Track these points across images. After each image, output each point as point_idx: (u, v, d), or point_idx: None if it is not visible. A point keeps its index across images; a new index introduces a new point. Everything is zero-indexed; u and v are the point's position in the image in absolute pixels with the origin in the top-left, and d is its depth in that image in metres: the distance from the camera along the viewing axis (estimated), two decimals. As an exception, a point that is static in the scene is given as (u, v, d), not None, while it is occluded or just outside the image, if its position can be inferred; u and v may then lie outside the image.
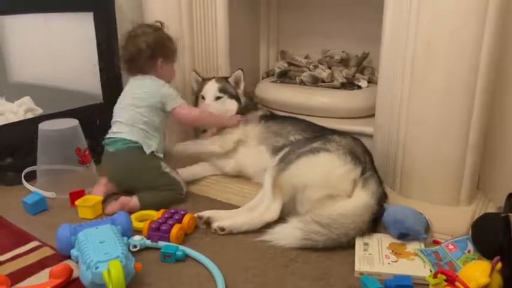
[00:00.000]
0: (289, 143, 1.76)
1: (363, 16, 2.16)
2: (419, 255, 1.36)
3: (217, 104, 1.92)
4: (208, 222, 1.56)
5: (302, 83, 2.27)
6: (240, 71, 1.98)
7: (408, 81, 1.55)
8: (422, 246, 1.41)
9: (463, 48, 1.44)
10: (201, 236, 1.52)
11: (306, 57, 2.43)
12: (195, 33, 2.08)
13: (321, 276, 1.31)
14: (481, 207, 1.61)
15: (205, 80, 2.00)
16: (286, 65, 2.42)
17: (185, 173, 1.87)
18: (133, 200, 1.67)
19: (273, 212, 1.54)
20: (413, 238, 1.43)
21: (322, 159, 1.58)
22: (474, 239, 1.38)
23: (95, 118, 2.15)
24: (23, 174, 1.85)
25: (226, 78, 1.99)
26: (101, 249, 1.23)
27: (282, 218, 1.52)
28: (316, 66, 2.29)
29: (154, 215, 1.59)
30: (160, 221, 1.50)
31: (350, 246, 1.41)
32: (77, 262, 1.29)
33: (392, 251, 1.40)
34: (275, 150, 1.77)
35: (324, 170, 1.56)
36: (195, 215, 1.57)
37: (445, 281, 1.16)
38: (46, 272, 1.29)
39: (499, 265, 1.16)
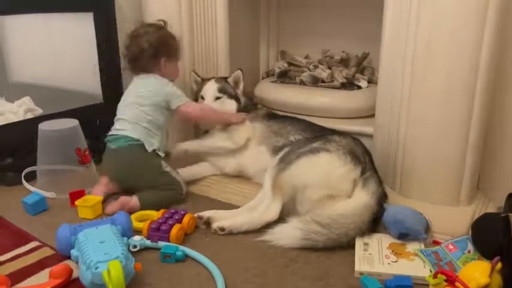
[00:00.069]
0: (289, 143, 1.76)
1: (363, 16, 2.16)
2: (419, 256, 1.36)
3: (216, 104, 1.92)
4: (208, 222, 1.56)
5: (302, 83, 2.27)
6: (239, 71, 1.98)
7: (408, 81, 1.55)
8: (422, 246, 1.41)
9: (463, 48, 1.44)
10: (201, 236, 1.52)
11: (306, 57, 2.43)
12: (195, 33, 2.08)
13: (321, 276, 1.31)
14: (481, 207, 1.61)
15: (204, 81, 2.00)
16: (286, 65, 2.42)
17: (185, 173, 1.87)
18: (133, 200, 1.67)
19: (273, 212, 1.54)
20: (413, 238, 1.43)
21: (322, 159, 1.58)
22: (474, 239, 1.38)
23: (95, 118, 2.15)
24: (23, 174, 1.85)
25: (225, 79, 1.99)
26: (100, 249, 1.23)
27: (282, 218, 1.52)
28: (316, 66, 2.29)
29: (154, 215, 1.59)
30: (160, 221, 1.50)
31: (350, 246, 1.41)
32: (77, 262, 1.29)
33: (392, 251, 1.40)
34: (275, 150, 1.77)
35: (324, 170, 1.56)
36: (195, 215, 1.57)
37: (445, 281, 1.16)
38: (46, 272, 1.29)
39: (499, 265, 1.16)
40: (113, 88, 2.20)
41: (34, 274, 1.31)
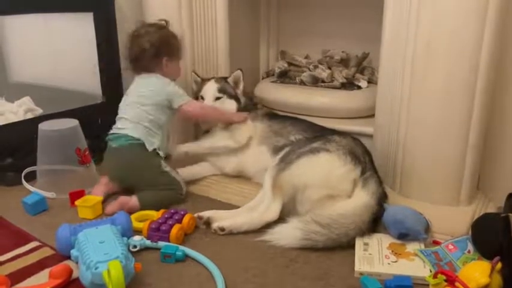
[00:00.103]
0: (289, 143, 1.76)
1: (363, 16, 2.16)
2: (419, 256, 1.36)
3: (216, 105, 1.92)
4: (208, 223, 1.55)
5: (302, 83, 2.27)
6: (239, 71, 1.98)
7: (408, 81, 1.55)
8: (422, 246, 1.41)
9: (463, 48, 1.44)
10: (201, 236, 1.52)
11: (306, 57, 2.43)
12: (195, 33, 2.08)
13: (321, 276, 1.31)
14: (481, 207, 1.61)
15: (204, 81, 2.00)
16: (286, 65, 2.42)
17: (185, 173, 1.87)
18: (133, 200, 1.67)
19: (273, 212, 1.54)
20: (413, 238, 1.43)
21: (322, 159, 1.58)
22: (474, 239, 1.38)
23: (95, 118, 2.15)
24: (23, 174, 1.85)
25: (225, 79, 1.99)
26: (100, 249, 1.23)
27: (282, 218, 1.52)
28: (316, 67, 2.29)
29: (154, 215, 1.59)
30: (160, 221, 1.50)
31: (350, 246, 1.41)
32: (77, 262, 1.29)
33: (392, 251, 1.39)
34: (276, 150, 1.77)
35: (324, 170, 1.56)
36: (195, 215, 1.57)
37: (445, 281, 1.16)
38: (46, 272, 1.29)
39: (499, 265, 1.16)
40: (112, 88, 2.21)
41: (34, 274, 1.31)
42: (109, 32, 2.16)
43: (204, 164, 1.96)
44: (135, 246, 1.41)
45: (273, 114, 2.02)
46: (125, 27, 2.20)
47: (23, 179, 1.84)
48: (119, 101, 1.85)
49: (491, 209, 1.60)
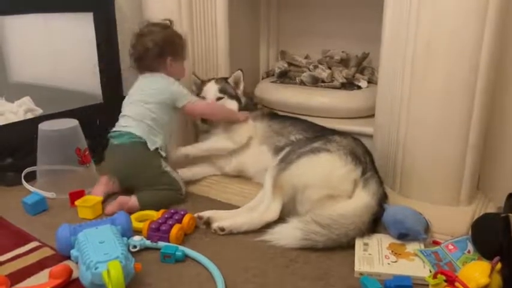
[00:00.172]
0: (290, 143, 1.76)
1: (363, 16, 2.16)
2: (419, 256, 1.36)
3: (217, 105, 1.93)
4: (208, 223, 1.55)
5: (302, 83, 2.27)
6: (239, 71, 1.98)
7: (408, 81, 1.55)
8: (422, 246, 1.41)
9: (463, 48, 1.44)
10: (200, 236, 1.52)
11: (306, 57, 2.43)
12: (195, 33, 2.08)
13: (321, 276, 1.31)
14: (481, 207, 1.61)
15: (204, 82, 2.00)
16: (286, 65, 2.42)
17: (185, 173, 1.87)
18: (132, 200, 1.67)
19: (273, 212, 1.54)
20: (413, 238, 1.43)
21: (322, 159, 1.58)
22: (474, 239, 1.38)
23: (95, 118, 2.15)
24: (23, 174, 1.85)
25: (225, 79, 1.99)
26: (100, 249, 1.23)
27: (282, 218, 1.52)
28: (316, 67, 2.29)
29: (154, 215, 1.59)
30: (160, 221, 1.50)
31: (350, 246, 1.41)
32: (77, 262, 1.29)
33: (392, 251, 1.39)
34: (277, 150, 1.77)
35: (325, 170, 1.56)
36: (195, 215, 1.57)
37: (445, 281, 1.15)
38: (46, 272, 1.29)
39: (499, 265, 1.16)
40: (112, 88, 2.21)
41: (34, 274, 1.31)
42: (109, 32, 2.16)
43: (204, 164, 1.95)
44: (135, 247, 1.41)
45: (273, 114, 2.02)
46: (125, 27, 2.21)
47: (23, 179, 1.84)
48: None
49: (491, 209, 1.60)
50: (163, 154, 1.77)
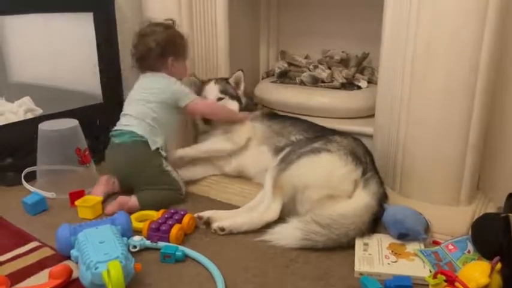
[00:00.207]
0: (290, 143, 1.76)
1: (363, 16, 2.16)
2: (419, 256, 1.36)
3: (218, 106, 1.93)
4: (208, 223, 1.55)
5: (302, 83, 2.27)
6: (240, 71, 1.98)
7: (408, 81, 1.55)
8: (422, 246, 1.41)
9: (463, 48, 1.44)
10: (200, 236, 1.52)
11: (306, 57, 2.43)
12: (195, 34, 2.08)
13: (321, 276, 1.31)
14: (481, 207, 1.61)
15: (204, 82, 2.00)
16: (286, 65, 2.42)
17: (185, 173, 1.87)
18: (132, 200, 1.67)
19: (273, 212, 1.54)
20: (413, 238, 1.43)
21: (323, 159, 1.58)
22: (474, 239, 1.38)
23: (95, 118, 2.15)
24: (23, 174, 1.85)
25: (226, 79, 1.99)
26: (100, 249, 1.23)
27: (282, 218, 1.52)
28: (316, 67, 2.29)
29: (154, 215, 1.59)
30: (160, 221, 1.50)
31: (350, 246, 1.41)
32: (77, 262, 1.29)
33: (392, 251, 1.39)
34: (277, 151, 1.77)
35: (325, 170, 1.56)
36: (195, 215, 1.57)
37: (445, 281, 1.16)
38: (46, 272, 1.29)
39: (499, 265, 1.16)
40: (112, 88, 2.21)
41: (34, 274, 1.31)
42: (109, 32, 2.16)
43: (204, 164, 1.95)
44: (135, 247, 1.41)
45: (273, 115, 2.02)
46: (124, 27, 2.21)
47: (23, 179, 1.84)
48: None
49: (491, 209, 1.60)
50: (164, 154, 1.77)
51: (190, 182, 1.87)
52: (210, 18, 2.07)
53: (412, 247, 1.41)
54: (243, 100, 1.98)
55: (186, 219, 1.52)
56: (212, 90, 1.94)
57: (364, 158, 1.62)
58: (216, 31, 2.09)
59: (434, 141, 1.56)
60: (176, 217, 1.53)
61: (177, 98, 1.80)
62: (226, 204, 1.73)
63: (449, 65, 1.47)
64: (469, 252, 1.36)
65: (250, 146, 1.89)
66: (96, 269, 1.17)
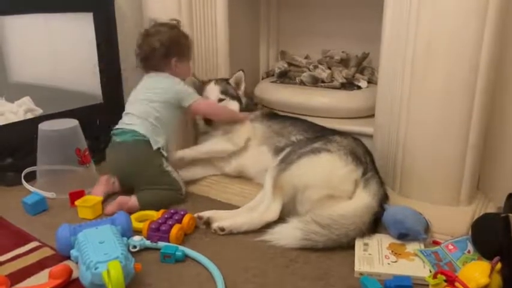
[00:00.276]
0: (290, 143, 1.76)
1: (363, 16, 2.16)
2: (419, 256, 1.35)
3: (219, 106, 1.93)
4: (208, 223, 1.55)
5: (302, 83, 2.27)
6: (241, 72, 1.98)
7: (408, 81, 1.55)
8: (422, 246, 1.41)
9: (463, 48, 1.44)
10: (200, 236, 1.52)
11: (306, 57, 2.43)
12: (195, 34, 2.08)
13: (321, 276, 1.31)
14: (481, 207, 1.61)
15: (204, 83, 2.00)
16: (286, 65, 2.42)
17: (185, 173, 1.87)
18: (132, 200, 1.67)
19: (273, 212, 1.54)
20: (413, 238, 1.43)
21: (323, 159, 1.58)
22: (474, 239, 1.38)
23: (95, 118, 2.15)
24: (23, 174, 1.85)
25: (226, 80, 1.99)
26: (100, 249, 1.23)
27: (282, 218, 1.52)
28: (316, 67, 2.29)
29: (154, 215, 1.59)
30: (160, 221, 1.50)
31: (350, 246, 1.41)
32: (77, 262, 1.29)
33: (392, 251, 1.39)
34: (277, 151, 1.77)
35: (325, 170, 1.56)
36: (195, 215, 1.57)
37: (445, 281, 1.15)
38: (46, 272, 1.29)
39: (499, 265, 1.16)
40: (112, 88, 2.21)
41: (34, 274, 1.31)
42: (109, 32, 2.16)
43: (204, 164, 1.95)
44: (135, 247, 1.41)
45: (273, 115, 2.02)
46: (124, 27, 2.21)
47: (23, 179, 1.84)
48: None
49: (491, 209, 1.60)
50: (165, 154, 1.77)
51: (190, 182, 1.87)
52: (210, 18, 2.07)
53: (412, 247, 1.41)
54: (244, 100, 1.99)
55: (186, 219, 1.52)
56: (213, 91, 1.94)
57: (364, 158, 1.62)
58: (216, 31, 2.09)
59: (434, 141, 1.56)
60: (176, 217, 1.52)
61: (181, 98, 1.80)
62: (226, 204, 1.73)
63: (449, 65, 1.47)
64: (469, 252, 1.36)
65: (250, 146, 1.89)
66: (96, 269, 1.17)
